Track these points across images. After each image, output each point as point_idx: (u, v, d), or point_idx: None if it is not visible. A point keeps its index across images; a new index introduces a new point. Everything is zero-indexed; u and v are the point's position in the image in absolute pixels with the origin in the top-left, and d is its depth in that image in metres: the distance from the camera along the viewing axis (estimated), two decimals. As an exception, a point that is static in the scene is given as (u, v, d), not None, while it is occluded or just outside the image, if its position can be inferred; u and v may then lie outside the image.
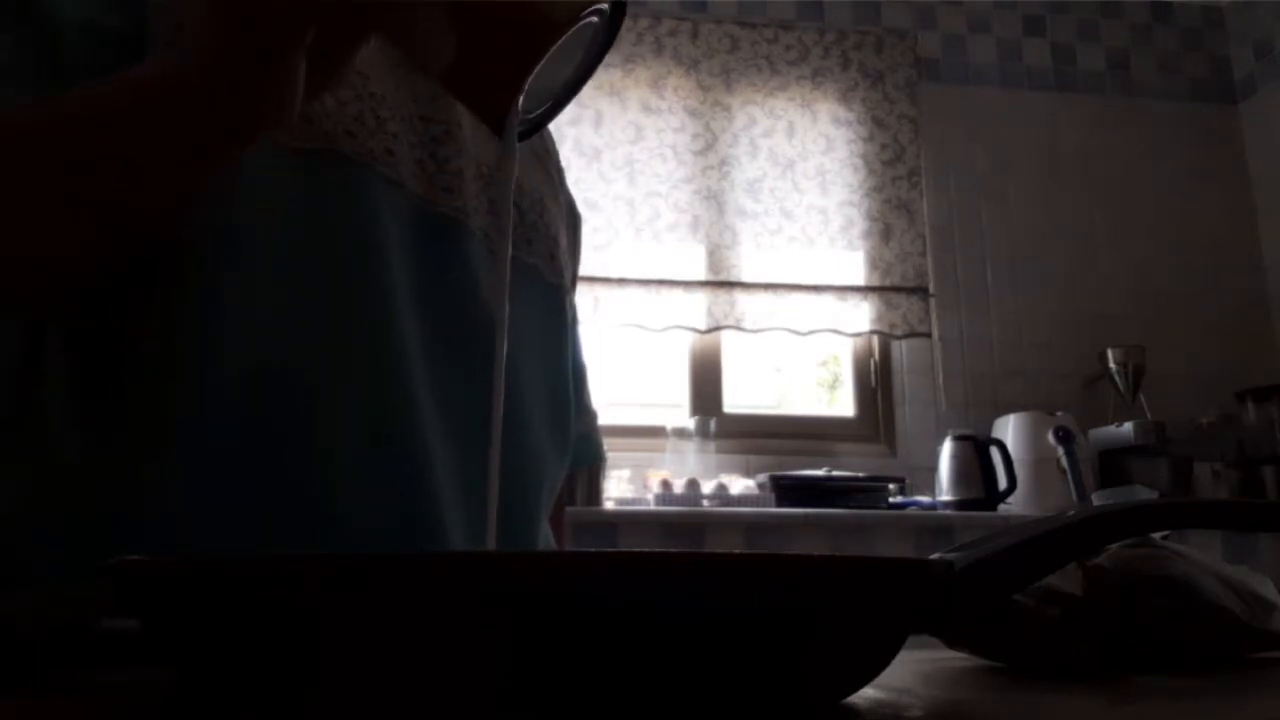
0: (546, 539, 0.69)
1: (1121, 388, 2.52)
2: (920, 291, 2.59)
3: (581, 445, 0.79)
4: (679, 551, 0.24)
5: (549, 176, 0.74)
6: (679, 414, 2.51)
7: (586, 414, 0.81)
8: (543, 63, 0.41)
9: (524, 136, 0.46)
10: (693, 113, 2.60)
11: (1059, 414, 2.37)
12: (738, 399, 2.62)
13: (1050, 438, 2.31)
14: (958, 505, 2.24)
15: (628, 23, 2.62)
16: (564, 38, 0.41)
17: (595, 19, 0.42)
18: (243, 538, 0.49)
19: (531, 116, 0.46)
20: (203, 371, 0.50)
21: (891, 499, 2.26)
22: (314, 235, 0.53)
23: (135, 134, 0.43)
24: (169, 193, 0.45)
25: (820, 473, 2.27)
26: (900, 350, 2.61)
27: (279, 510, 0.50)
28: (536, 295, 0.66)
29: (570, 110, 2.69)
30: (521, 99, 0.42)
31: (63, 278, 0.48)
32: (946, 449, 2.30)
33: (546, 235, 0.68)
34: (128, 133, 0.43)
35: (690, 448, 2.35)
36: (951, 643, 0.46)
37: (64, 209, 0.44)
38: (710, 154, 2.58)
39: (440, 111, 0.61)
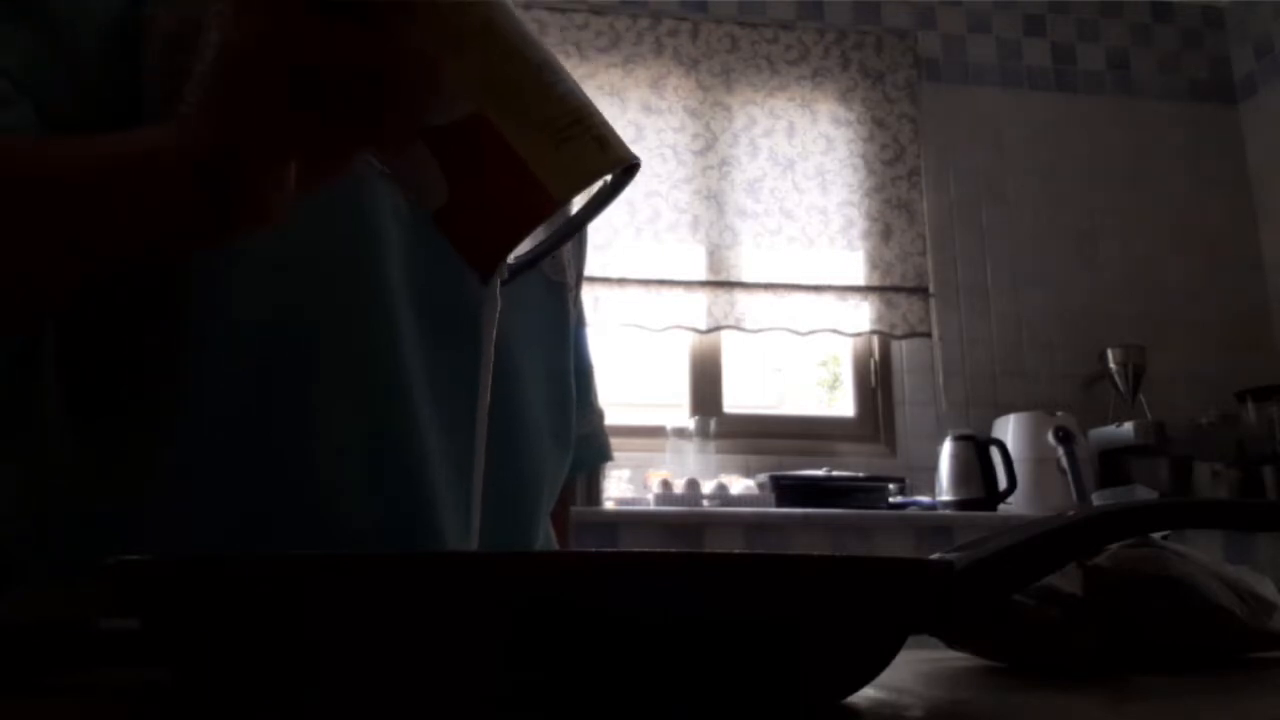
0: (548, 538, 0.69)
1: (1121, 388, 2.52)
2: (920, 291, 2.59)
3: (588, 445, 0.79)
4: (678, 552, 0.24)
5: None
6: (679, 414, 2.51)
7: (594, 414, 0.81)
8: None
9: (512, 276, 0.45)
10: (693, 113, 2.60)
11: (1059, 414, 2.37)
12: (738, 399, 2.62)
13: (1050, 438, 2.31)
14: (958, 505, 2.23)
15: (627, 22, 2.62)
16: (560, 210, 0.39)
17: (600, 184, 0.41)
18: (239, 536, 0.49)
19: (521, 257, 0.45)
20: (199, 369, 0.50)
21: (891, 499, 2.26)
22: (311, 231, 0.53)
23: (109, 207, 0.40)
24: (137, 260, 0.43)
25: (820, 473, 2.27)
26: (900, 350, 2.61)
27: (276, 508, 0.50)
28: (537, 292, 0.66)
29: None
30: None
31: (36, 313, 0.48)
32: (946, 449, 2.30)
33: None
34: (103, 204, 0.40)
35: (690, 448, 2.35)
36: (951, 643, 0.46)
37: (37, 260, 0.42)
38: (710, 154, 2.58)
39: None
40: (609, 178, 0.40)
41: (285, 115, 0.35)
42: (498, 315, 0.44)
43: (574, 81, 0.39)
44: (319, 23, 0.34)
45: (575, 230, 0.45)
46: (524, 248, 0.42)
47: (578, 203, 0.45)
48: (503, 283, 0.43)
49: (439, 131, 0.37)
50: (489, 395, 0.46)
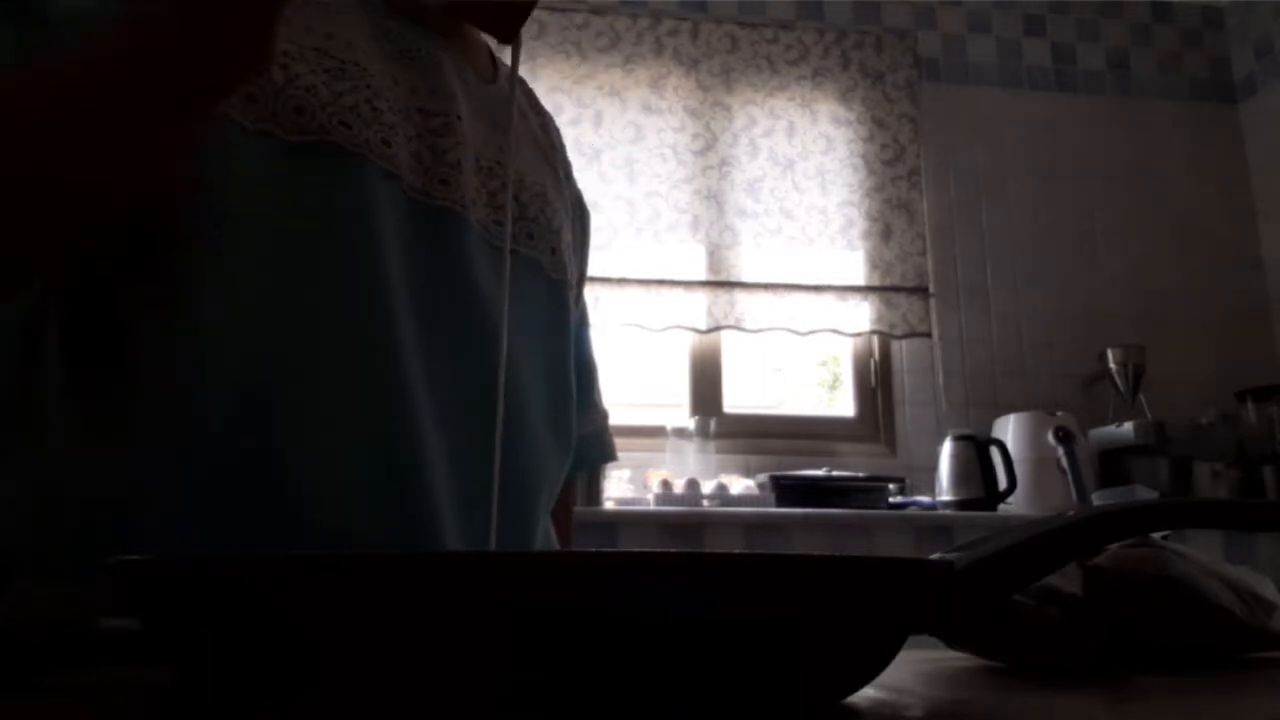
0: (547, 536, 0.69)
1: (1121, 388, 2.52)
2: (920, 291, 2.59)
3: (591, 445, 0.79)
4: (678, 552, 0.24)
5: (553, 170, 0.74)
6: (679, 414, 2.51)
7: (597, 413, 0.81)
8: None
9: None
10: (693, 113, 2.60)
11: (1059, 414, 2.37)
12: (738, 399, 2.62)
13: (1050, 438, 2.31)
14: (958, 505, 2.23)
15: (627, 22, 2.62)
16: None
17: None
18: (239, 535, 0.49)
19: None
20: (197, 370, 0.50)
21: (891, 499, 2.26)
22: (310, 228, 0.53)
23: (107, 88, 0.42)
24: (151, 153, 0.44)
25: (820, 473, 2.27)
26: (900, 350, 2.61)
27: (275, 507, 0.50)
28: (538, 290, 0.66)
29: (570, 110, 2.68)
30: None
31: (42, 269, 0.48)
32: (946, 449, 2.30)
33: (549, 229, 0.68)
34: (99, 86, 0.42)
35: (690, 448, 2.35)
36: (951, 643, 0.46)
37: (37, 198, 0.43)
38: (710, 154, 2.58)
39: (439, 103, 0.61)
40: None
41: None
42: (518, 104, 0.45)
43: None
44: None
45: None
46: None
47: None
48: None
49: None
50: (503, 395, 0.45)
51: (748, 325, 2.50)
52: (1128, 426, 2.36)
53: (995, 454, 2.28)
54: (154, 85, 0.42)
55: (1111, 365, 2.53)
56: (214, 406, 0.50)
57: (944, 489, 2.28)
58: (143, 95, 0.42)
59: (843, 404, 2.74)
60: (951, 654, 0.47)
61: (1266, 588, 0.48)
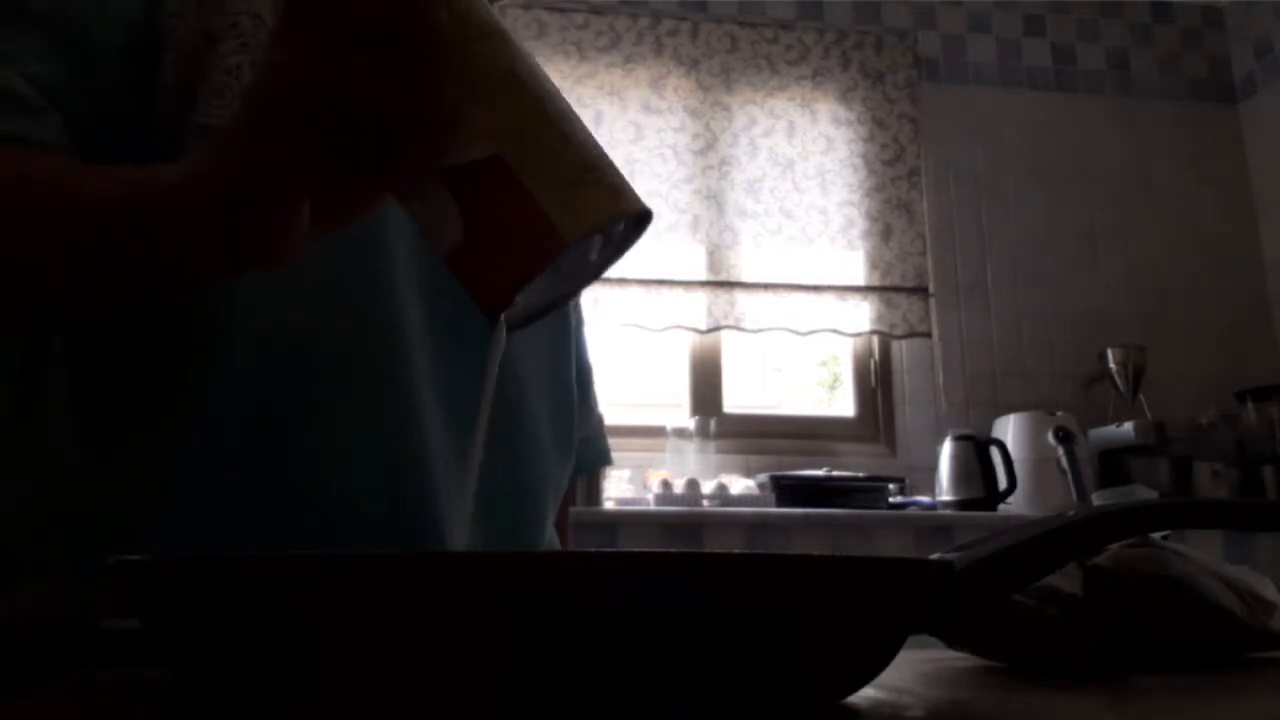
0: (550, 540, 0.69)
1: (1121, 388, 2.52)
2: (920, 291, 2.59)
3: (588, 449, 0.79)
4: (678, 552, 0.24)
5: None
6: (679, 414, 2.51)
7: (592, 417, 0.81)
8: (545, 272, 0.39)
9: (517, 326, 0.44)
10: (693, 113, 2.60)
11: (1059, 414, 2.36)
12: (738, 399, 2.62)
13: (1050, 438, 2.31)
14: (958, 505, 2.23)
15: (627, 22, 2.62)
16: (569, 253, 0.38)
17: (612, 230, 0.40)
18: (242, 535, 0.49)
19: (530, 307, 0.44)
20: (204, 373, 0.50)
21: (891, 499, 2.26)
22: None
23: (122, 240, 0.40)
24: (147, 289, 0.44)
25: (820, 473, 2.27)
26: (900, 350, 2.61)
27: (279, 508, 0.50)
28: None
29: (570, 110, 2.68)
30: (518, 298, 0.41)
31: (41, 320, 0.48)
32: (946, 449, 2.30)
33: None
34: (115, 229, 0.40)
35: (690, 448, 2.35)
36: (951, 643, 0.46)
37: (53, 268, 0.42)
38: (710, 154, 2.58)
39: None
40: (621, 227, 0.41)
41: (305, 150, 0.35)
42: (501, 355, 0.43)
43: (589, 132, 0.40)
44: (346, 59, 0.33)
45: (587, 283, 0.45)
46: (532, 299, 0.42)
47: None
48: (510, 329, 0.43)
49: (454, 171, 0.37)
50: (485, 431, 0.45)
51: (748, 325, 2.50)
52: (1128, 426, 2.36)
53: (995, 454, 2.27)
54: (163, 257, 0.40)
55: (1111, 365, 2.53)
56: (217, 408, 0.50)
57: (944, 489, 2.28)
58: (152, 258, 0.41)
59: (843, 404, 2.74)
60: (951, 654, 0.47)
61: (1266, 588, 0.48)
